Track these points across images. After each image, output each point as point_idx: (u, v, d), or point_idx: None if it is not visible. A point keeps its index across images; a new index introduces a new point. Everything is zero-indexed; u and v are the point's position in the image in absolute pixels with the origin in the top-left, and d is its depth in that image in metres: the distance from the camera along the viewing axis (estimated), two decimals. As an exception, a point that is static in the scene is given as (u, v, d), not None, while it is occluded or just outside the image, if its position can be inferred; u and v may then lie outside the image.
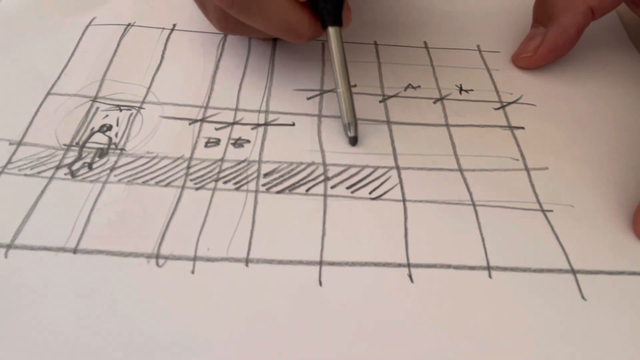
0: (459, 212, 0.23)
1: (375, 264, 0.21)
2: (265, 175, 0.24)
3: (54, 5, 0.32)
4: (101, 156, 0.24)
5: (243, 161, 0.24)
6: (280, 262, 0.21)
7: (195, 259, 0.20)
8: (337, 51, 0.25)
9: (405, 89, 0.29)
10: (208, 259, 0.21)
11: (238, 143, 0.25)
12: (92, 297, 0.19)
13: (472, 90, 0.29)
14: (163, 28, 0.31)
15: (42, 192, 0.22)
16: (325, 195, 0.23)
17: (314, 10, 0.24)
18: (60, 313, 0.19)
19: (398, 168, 0.24)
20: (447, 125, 0.27)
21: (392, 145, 0.25)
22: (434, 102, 0.28)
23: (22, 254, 0.20)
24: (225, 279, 0.20)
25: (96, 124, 0.25)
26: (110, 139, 0.25)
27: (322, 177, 0.24)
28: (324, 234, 0.22)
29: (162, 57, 0.29)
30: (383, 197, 0.23)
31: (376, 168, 0.24)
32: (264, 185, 0.23)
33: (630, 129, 0.27)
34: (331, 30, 0.25)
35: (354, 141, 0.25)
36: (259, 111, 0.27)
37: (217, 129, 0.26)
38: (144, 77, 0.28)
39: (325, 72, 0.29)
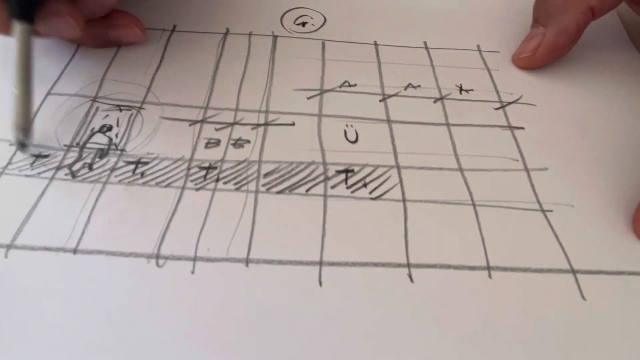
0: (459, 212, 0.23)
1: (375, 264, 0.21)
2: (266, 175, 0.24)
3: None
4: (101, 157, 0.24)
5: (243, 161, 0.24)
6: (280, 262, 0.21)
7: (195, 259, 0.20)
8: (19, 48, 0.23)
9: (406, 88, 0.29)
10: (208, 259, 0.21)
11: (238, 143, 0.25)
12: (92, 297, 0.19)
13: (472, 90, 0.29)
14: (164, 29, 0.31)
15: (43, 192, 0.22)
16: (325, 196, 0.23)
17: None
18: (60, 313, 0.19)
19: (398, 167, 0.24)
20: (447, 124, 0.27)
21: (393, 144, 0.25)
22: (434, 102, 0.28)
23: (22, 254, 0.20)
24: (225, 279, 0.20)
25: (96, 124, 0.25)
26: (110, 139, 0.25)
27: (322, 177, 0.24)
28: (324, 234, 0.22)
29: (162, 57, 0.29)
30: (383, 197, 0.23)
31: (376, 167, 0.24)
32: (264, 185, 0.23)
33: (630, 129, 0.27)
34: (16, 25, 0.23)
35: (22, 146, 0.23)
36: (259, 111, 0.27)
37: (217, 130, 0.26)
38: (144, 77, 0.28)
39: (326, 72, 0.29)
